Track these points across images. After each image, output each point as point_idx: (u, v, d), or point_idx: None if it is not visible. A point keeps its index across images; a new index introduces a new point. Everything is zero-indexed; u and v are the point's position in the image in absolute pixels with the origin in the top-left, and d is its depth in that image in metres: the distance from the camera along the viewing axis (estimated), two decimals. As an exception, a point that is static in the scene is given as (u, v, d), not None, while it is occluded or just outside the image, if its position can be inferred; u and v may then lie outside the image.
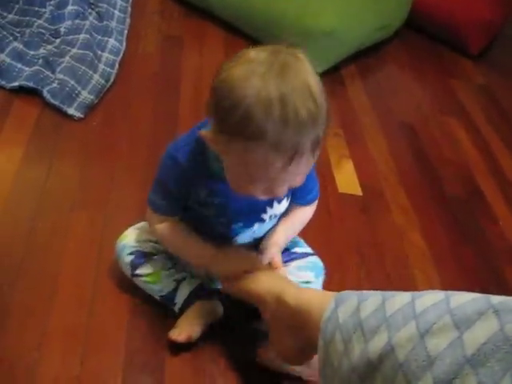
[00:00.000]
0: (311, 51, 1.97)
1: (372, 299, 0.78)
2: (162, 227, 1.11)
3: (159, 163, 1.05)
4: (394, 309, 0.73)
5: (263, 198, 0.95)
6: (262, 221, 1.11)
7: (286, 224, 1.15)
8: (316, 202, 1.18)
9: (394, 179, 1.73)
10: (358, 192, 1.64)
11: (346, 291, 0.85)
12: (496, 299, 0.65)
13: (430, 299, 0.71)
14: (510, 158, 1.96)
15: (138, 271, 1.17)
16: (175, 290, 1.17)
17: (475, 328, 0.62)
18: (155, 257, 1.18)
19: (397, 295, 0.77)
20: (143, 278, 1.17)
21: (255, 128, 0.81)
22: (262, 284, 1.03)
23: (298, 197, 1.13)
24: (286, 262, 1.18)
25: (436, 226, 1.61)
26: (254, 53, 0.85)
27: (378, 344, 0.71)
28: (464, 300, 0.67)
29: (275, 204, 1.08)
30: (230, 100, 0.83)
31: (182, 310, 1.16)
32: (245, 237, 1.13)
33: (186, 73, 1.94)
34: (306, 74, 0.84)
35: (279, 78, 0.81)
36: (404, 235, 1.54)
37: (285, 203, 1.11)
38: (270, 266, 1.09)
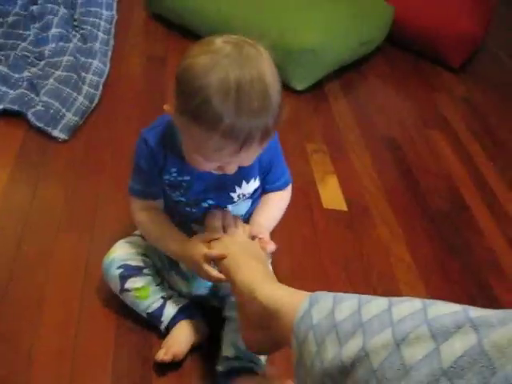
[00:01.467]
0: (294, 68, 2.05)
1: (348, 303, 0.79)
2: (142, 216, 1.14)
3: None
4: (370, 314, 0.74)
5: (216, 172, 1.02)
6: (232, 201, 1.12)
7: (263, 208, 1.17)
8: (290, 186, 1.20)
9: (378, 194, 1.74)
10: (343, 207, 1.65)
11: (320, 291, 0.85)
12: (474, 313, 0.65)
13: (407, 308, 0.72)
14: (493, 170, 1.98)
15: (126, 285, 1.17)
16: (162, 307, 1.17)
17: (453, 340, 0.62)
18: (144, 270, 1.19)
19: (373, 300, 0.77)
20: (132, 293, 1.17)
21: (212, 114, 0.88)
22: (241, 272, 1.01)
23: (269, 182, 1.16)
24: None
25: (421, 240, 1.62)
26: (219, 44, 0.93)
27: (352, 349, 0.71)
28: (441, 312, 0.67)
29: (243, 183, 1.11)
30: (192, 87, 0.90)
31: (168, 329, 1.16)
32: None
33: (170, 93, 1.94)
34: (264, 66, 0.91)
35: (239, 70, 0.88)
36: (389, 249, 1.55)
37: (253, 183, 1.12)
38: (261, 241, 1.09)
